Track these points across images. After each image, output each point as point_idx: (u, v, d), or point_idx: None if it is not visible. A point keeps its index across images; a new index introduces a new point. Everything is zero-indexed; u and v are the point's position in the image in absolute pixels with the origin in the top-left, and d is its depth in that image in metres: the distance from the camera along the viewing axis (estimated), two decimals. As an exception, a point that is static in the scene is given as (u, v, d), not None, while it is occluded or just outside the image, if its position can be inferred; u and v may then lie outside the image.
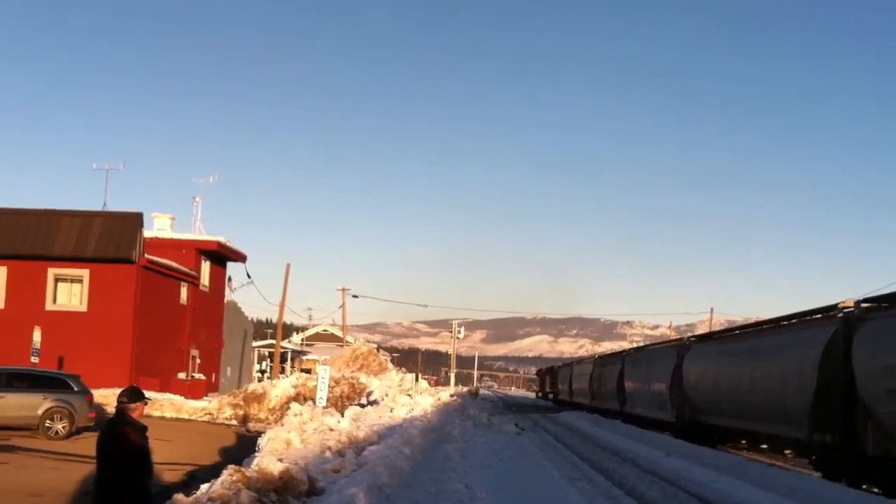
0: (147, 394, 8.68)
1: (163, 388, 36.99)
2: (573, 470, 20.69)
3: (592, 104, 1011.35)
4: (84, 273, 37.62)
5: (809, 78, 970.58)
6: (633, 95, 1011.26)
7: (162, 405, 33.39)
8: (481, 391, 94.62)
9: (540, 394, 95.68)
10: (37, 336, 30.76)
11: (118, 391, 8.58)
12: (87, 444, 10.80)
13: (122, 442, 7.98)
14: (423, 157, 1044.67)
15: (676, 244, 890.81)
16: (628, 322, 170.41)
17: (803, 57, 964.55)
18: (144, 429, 8.22)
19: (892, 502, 14.34)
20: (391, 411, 27.68)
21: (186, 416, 33.74)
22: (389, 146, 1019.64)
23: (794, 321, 22.87)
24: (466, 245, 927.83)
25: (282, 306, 57.59)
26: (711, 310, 76.64)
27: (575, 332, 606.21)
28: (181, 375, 41.30)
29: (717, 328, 59.43)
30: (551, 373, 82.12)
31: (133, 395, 8.29)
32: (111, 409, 16.60)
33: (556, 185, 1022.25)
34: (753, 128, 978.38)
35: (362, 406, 30.76)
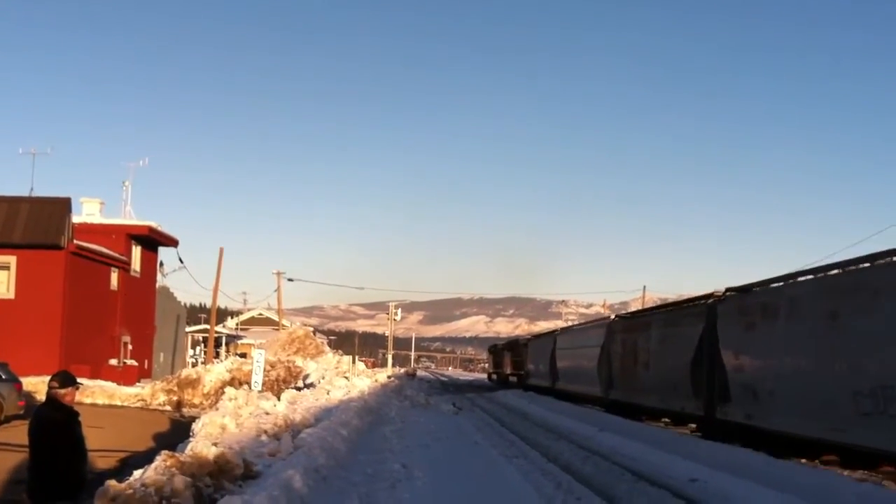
0: (79, 380, 8.55)
1: (94, 375, 36.39)
2: (510, 447, 20.90)
3: (527, 86, 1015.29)
4: (11, 260, 36.75)
5: (737, 55, 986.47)
6: (566, 78, 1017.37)
7: (94, 392, 32.87)
8: (419, 372, 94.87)
9: (494, 375, 78.22)
10: (-38, 324, 30.00)
11: (48, 378, 8.45)
12: (17, 433, 10.60)
13: (54, 428, 7.88)
14: (360, 140, 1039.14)
15: (610, 224, 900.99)
16: (563, 301, 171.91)
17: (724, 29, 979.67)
18: (76, 414, 8.12)
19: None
20: (328, 394, 27.64)
21: (119, 403, 33.28)
22: (324, 129, 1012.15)
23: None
24: (403, 227, 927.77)
25: (215, 290, 56.99)
26: (644, 288, 77.52)
27: (511, 311, 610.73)
28: (113, 362, 40.67)
29: (649, 305, 60.36)
30: (513, 349, 65.65)
31: (64, 380, 8.17)
32: (41, 396, 16.28)
33: (492, 167, 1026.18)
34: (684, 108, 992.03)
35: (299, 389, 30.65)
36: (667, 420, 27.50)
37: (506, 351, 69.87)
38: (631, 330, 30.41)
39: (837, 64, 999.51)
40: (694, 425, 24.20)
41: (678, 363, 23.71)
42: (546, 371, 46.54)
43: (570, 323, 74.61)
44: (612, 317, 35.16)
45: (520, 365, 59.32)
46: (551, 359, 44.61)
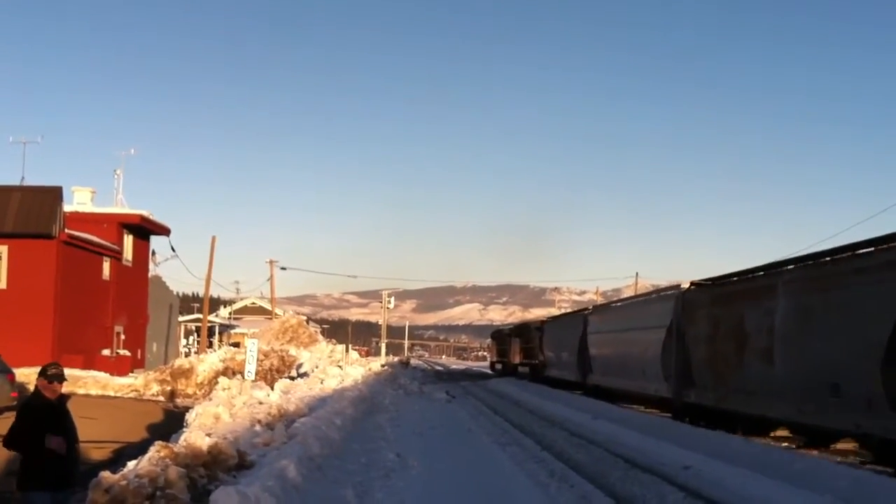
0: (71, 371, 8.57)
1: (87, 366, 36.29)
2: (503, 435, 20.96)
3: (519, 75, 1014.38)
4: (2, 249, 36.59)
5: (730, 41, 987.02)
6: (560, 66, 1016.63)
7: (86, 383, 32.79)
8: (413, 361, 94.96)
9: (498, 365, 69.53)
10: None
11: (39, 369, 8.46)
12: (9, 425, 10.56)
13: (43, 417, 7.87)
14: (352, 128, 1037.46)
15: (603, 211, 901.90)
16: (556, 288, 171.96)
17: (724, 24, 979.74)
18: (65, 400, 8.13)
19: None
20: (321, 383, 27.63)
21: (112, 394, 33.21)
22: (317, 117, 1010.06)
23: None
24: (396, 215, 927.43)
25: (208, 280, 56.92)
26: (636, 274, 77.78)
27: (505, 299, 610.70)
28: (105, 352, 40.55)
29: (642, 290, 60.01)
30: (523, 334, 56.10)
31: (51, 376, 8.20)
32: (33, 387, 16.24)
33: (484, 154, 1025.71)
34: (676, 95, 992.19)
35: (292, 379, 30.64)
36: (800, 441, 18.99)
37: (513, 337, 60.63)
38: (729, 301, 20.94)
39: (833, 51, 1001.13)
40: None
41: (853, 349, 14.58)
42: (572, 361, 38.10)
43: (563, 310, 71.45)
44: (687, 285, 24.24)
45: (532, 353, 51.17)
46: (580, 345, 36.11)
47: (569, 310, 64.10)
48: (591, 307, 41.18)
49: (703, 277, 24.09)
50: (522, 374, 53.51)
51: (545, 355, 46.60)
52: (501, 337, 69.79)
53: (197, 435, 11.59)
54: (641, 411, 27.81)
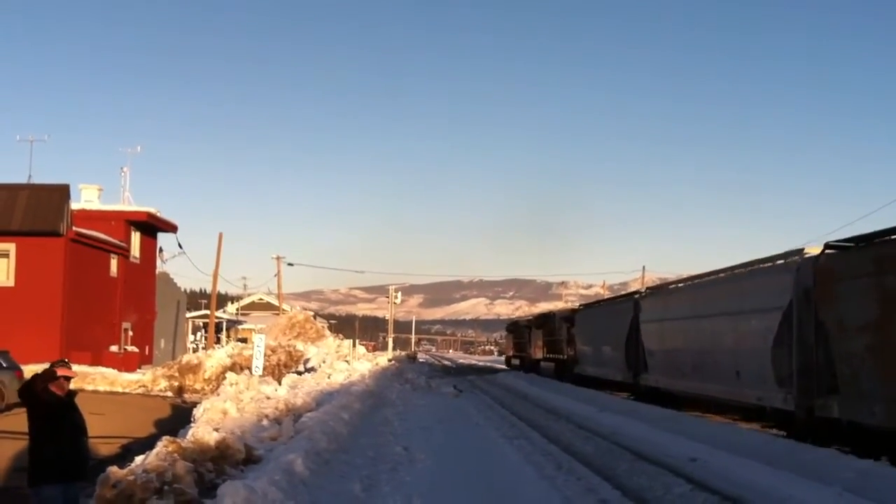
0: (79, 367, 8.64)
1: (95, 362, 36.41)
2: (511, 429, 20.98)
3: (525, 68, 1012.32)
4: (10, 247, 36.69)
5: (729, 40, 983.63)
6: (565, 59, 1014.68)
7: (94, 379, 32.89)
8: (419, 355, 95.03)
9: (516, 360, 63.75)
10: (-38, 313, 29.98)
11: (48, 366, 8.51)
12: (19, 421, 10.63)
13: (51, 411, 7.93)
14: (358, 123, 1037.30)
15: (609, 205, 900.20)
16: (563, 283, 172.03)
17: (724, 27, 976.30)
18: (73, 395, 8.18)
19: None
20: (329, 378, 27.69)
21: (120, 390, 33.30)
22: (323, 113, 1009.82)
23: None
24: (403, 210, 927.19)
25: (215, 276, 56.97)
26: (643, 268, 77.50)
27: (511, 293, 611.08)
28: (113, 348, 40.66)
29: (650, 284, 57.76)
30: (546, 325, 49.78)
31: (62, 367, 8.26)
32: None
33: (490, 148, 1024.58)
34: (682, 90, 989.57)
35: (300, 373, 30.69)
36: None
37: (534, 328, 54.43)
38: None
39: (839, 47, 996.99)
40: None
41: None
42: (617, 357, 31.97)
43: (570, 304, 64.13)
44: (821, 250, 17.13)
45: (557, 346, 45.85)
46: (629, 337, 30.26)
47: (576, 304, 55.94)
48: (643, 289, 32.96)
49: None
50: (545, 371, 48.18)
51: (576, 349, 40.24)
52: (519, 329, 63.99)
53: (204, 430, 11.66)
54: (720, 422, 22.02)
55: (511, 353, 68.06)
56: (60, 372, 8.23)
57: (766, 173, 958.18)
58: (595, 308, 40.61)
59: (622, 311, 32.18)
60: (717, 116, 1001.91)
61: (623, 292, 44.72)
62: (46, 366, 8.68)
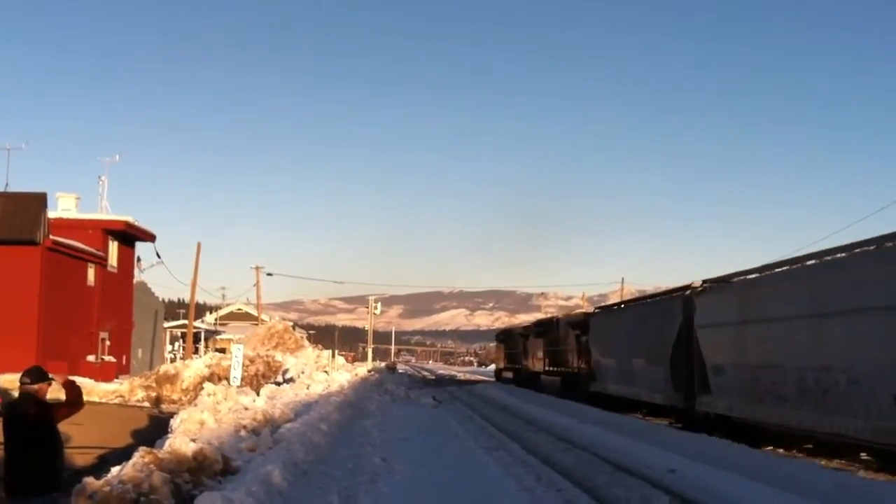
0: (51, 375, 8.52)
1: (72, 372, 35.79)
2: (490, 440, 20.96)
3: (504, 82, 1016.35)
4: (-14, 255, 36.38)
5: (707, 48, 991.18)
6: (547, 73, 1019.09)
7: (71, 389, 32.56)
8: (399, 366, 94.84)
9: (508, 373, 57.25)
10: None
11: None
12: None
13: (27, 422, 7.84)
14: (338, 133, 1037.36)
15: (588, 217, 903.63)
16: (543, 294, 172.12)
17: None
18: (50, 408, 8.09)
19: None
20: (308, 388, 27.57)
21: (97, 400, 32.97)
22: (304, 123, 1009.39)
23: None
24: (383, 221, 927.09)
25: (193, 286, 56.73)
26: (622, 280, 77.94)
27: (491, 304, 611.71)
28: (90, 358, 40.36)
29: (627, 296, 58.18)
30: (547, 332, 43.71)
31: (36, 376, 8.15)
32: (18, 394, 16.15)
33: (469, 160, 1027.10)
34: (660, 103, 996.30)
35: (278, 384, 30.55)
36: None
37: (532, 337, 48.13)
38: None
39: (822, 61, 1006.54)
40: None
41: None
42: (657, 373, 24.92)
43: (550, 314, 59.01)
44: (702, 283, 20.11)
45: (562, 358, 40.13)
46: (678, 347, 23.52)
47: (555, 314, 52.69)
48: (699, 283, 23.61)
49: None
50: (548, 386, 41.35)
51: (591, 362, 33.48)
52: (512, 338, 56.84)
53: (181, 440, 11.55)
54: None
55: (502, 365, 61.08)
56: (55, 374, 8.21)
57: (744, 185, 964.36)
58: (619, 311, 33.30)
59: (664, 313, 25.38)
60: (694, 129, 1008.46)
61: (665, 288, 31.44)
62: (19, 375, 8.59)
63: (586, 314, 37.82)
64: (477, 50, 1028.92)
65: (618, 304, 35.44)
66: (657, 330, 25.55)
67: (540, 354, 45.15)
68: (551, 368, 42.24)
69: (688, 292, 23.95)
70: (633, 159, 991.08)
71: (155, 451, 10.60)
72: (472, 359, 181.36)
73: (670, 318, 24.44)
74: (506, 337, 61.30)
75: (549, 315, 57.00)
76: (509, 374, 56.47)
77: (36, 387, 8.08)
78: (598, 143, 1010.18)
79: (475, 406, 34.44)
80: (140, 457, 10.02)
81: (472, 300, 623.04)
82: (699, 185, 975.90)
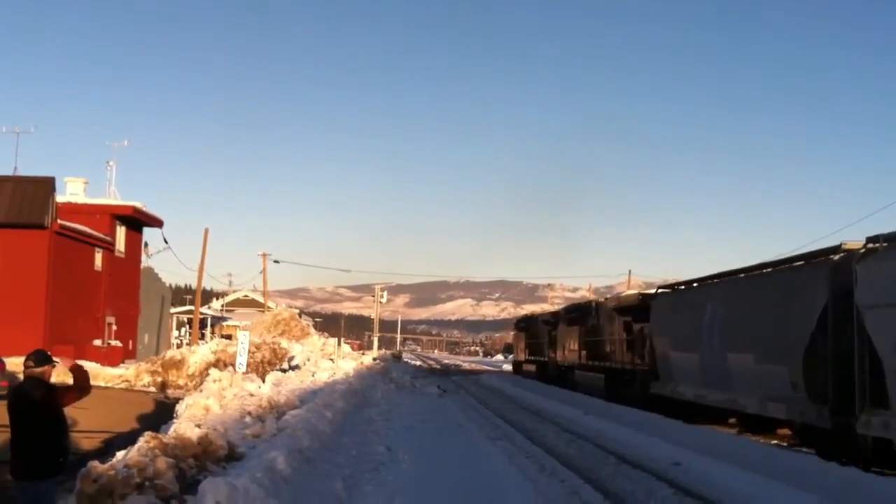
0: (55, 358, 8.51)
1: (78, 356, 35.80)
2: (494, 430, 20.98)
3: (514, 71, 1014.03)
4: (-6, 239, 36.49)
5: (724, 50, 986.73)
6: (552, 61, 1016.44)
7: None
8: (405, 355, 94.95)
9: (531, 365, 51.45)
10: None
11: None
12: (0, 413, 10.55)
13: (32, 405, 7.84)
14: (346, 122, 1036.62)
15: (596, 208, 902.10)
16: (549, 285, 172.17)
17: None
18: (55, 390, 8.09)
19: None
20: (313, 376, 27.62)
21: (103, 384, 33.08)
22: (312, 111, 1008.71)
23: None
24: (391, 210, 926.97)
25: (200, 272, 56.77)
26: (629, 272, 77.61)
27: (497, 295, 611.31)
28: (97, 342, 40.47)
29: (636, 289, 50.28)
30: (584, 318, 37.34)
31: (39, 359, 8.15)
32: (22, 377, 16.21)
33: (480, 150, 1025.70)
34: (671, 94, 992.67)
35: (284, 371, 30.61)
36: None
37: (562, 324, 41.59)
38: None
39: (828, 57, 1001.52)
40: None
41: None
42: (779, 377, 17.85)
43: (557, 306, 59.16)
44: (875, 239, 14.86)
45: (605, 351, 33.40)
46: (819, 337, 16.55)
47: (561, 306, 50.34)
48: (863, 241, 15.85)
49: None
50: (586, 384, 35.16)
51: (655, 357, 26.33)
52: (535, 326, 49.96)
53: (187, 426, 11.60)
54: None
55: (523, 357, 54.19)
56: (60, 357, 8.22)
57: (753, 177, 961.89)
58: (704, 290, 24.14)
59: (794, 288, 18.17)
60: (704, 120, 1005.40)
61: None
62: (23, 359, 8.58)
63: (643, 295, 29.97)
64: (486, 39, 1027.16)
65: (699, 281, 25.18)
66: (779, 312, 18.29)
67: (574, 345, 38.64)
68: (591, 362, 35.24)
69: (838, 256, 16.92)
70: (641, 152, 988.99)
71: (160, 435, 10.63)
72: (477, 349, 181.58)
73: (805, 295, 17.31)
74: (527, 324, 53.81)
75: (584, 299, 50.82)
76: (531, 368, 50.45)
77: (40, 370, 8.07)
78: (607, 135, 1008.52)
79: (480, 396, 34.41)
80: (145, 441, 10.05)
81: (478, 290, 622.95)
82: (706, 178, 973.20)
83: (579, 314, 38.38)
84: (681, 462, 14.89)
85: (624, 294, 34.35)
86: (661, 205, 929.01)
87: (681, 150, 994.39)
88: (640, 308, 29.13)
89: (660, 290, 28.33)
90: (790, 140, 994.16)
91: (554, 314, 46.24)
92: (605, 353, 33.36)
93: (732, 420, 22.51)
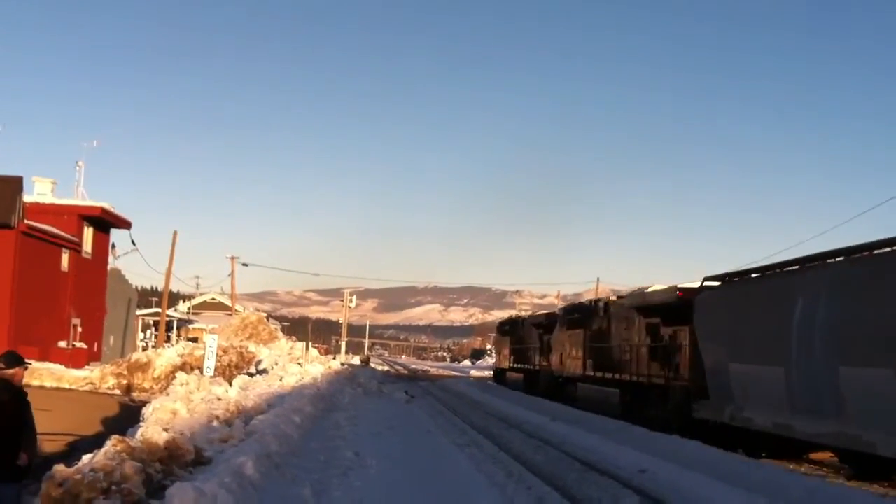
0: (26, 361, 8.41)
1: (43, 357, 35.80)
2: (461, 436, 21.00)
3: (482, 76, 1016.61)
4: (-41, 238, 36.03)
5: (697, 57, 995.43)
6: (520, 70, 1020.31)
7: (42, 374, 32.35)
8: (372, 360, 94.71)
9: (515, 373, 45.33)
10: None
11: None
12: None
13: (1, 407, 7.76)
14: (314, 125, 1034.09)
15: (564, 216, 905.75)
16: (517, 291, 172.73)
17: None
18: (24, 395, 7.99)
19: None
20: (281, 380, 27.50)
21: (67, 386, 32.79)
22: (280, 114, 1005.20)
23: None
24: (360, 214, 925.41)
25: (168, 274, 56.33)
26: (598, 279, 78.00)
27: (466, 301, 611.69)
28: (62, 344, 40.07)
29: (602, 296, 40.43)
30: (588, 319, 31.04)
31: (10, 360, 8.04)
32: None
33: (446, 155, 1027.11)
34: (640, 101, 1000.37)
35: (251, 375, 30.48)
36: None
37: (559, 327, 35.06)
38: None
39: (786, 61, 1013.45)
40: None
41: None
42: None
43: (525, 312, 54.80)
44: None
45: (616, 361, 27.67)
46: None
47: (530, 313, 47.77)
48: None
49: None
50: (590, 398, 29.82)
51: (698, 369, 20.88)
52: (522, 329, 44.51)
53: (154, 430, 11.53)
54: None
55: (507, 364, 47.62)
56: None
57: (712, 189, 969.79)
58: (783, 278, 17.88)
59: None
60: (668, 131, 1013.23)
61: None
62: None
63: (681, 291, 22.50)
64: (456, 44, 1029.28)
65: (779, 266, 18.32)
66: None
67: (576, 352, 32.03)
68: (598, 374, 29.02)
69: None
70: (611, 160, 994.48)
71: (127, 439, 10.57)
72: (445, 354, 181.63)
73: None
74: (512, 327, 47.57)
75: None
76: (517, 376, 44.13)
77: (11, 372, 7.96)
78: (577, 144, 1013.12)
79: (448, 402, 34.42)
80: (112, 445, 9.99)
81: (446, 296, 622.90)
82: (674, 188, 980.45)
83: (583, 315, 31.60)
84: (646, 469, 14.93)
85: (650, 289, 26.30)
86: (631, 213, 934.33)
87: (650, 160, 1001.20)
88: (676, 308, 22.62)
89: (706, 283, 20.90)
90: (760, 151, 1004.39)
91: (548, 315, 40.56)
92: (618, 364, 27.34)
93: (822, 456, 17.78)
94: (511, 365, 46.61)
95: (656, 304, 24.73)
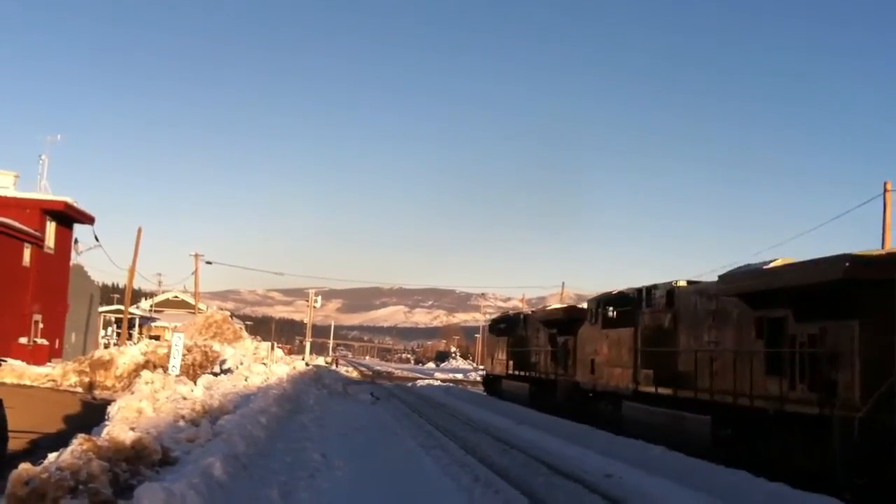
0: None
1: (3, 354, 35.38)
2: (428, 438, 21.00)
3: (449, 79, 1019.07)
4: (-83, 231, 35.50)
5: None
6: (494, 72, 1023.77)
7: (2, 371, 31.96)
8: (338, 360, 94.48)
9: (512, 381, 37.69)
10: None
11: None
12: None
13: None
14: (281, 124, 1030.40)
15: (528, 219, 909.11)
16: (482, 294, 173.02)
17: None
18: None
19: None
20: (246, 380, 27.32)
21: (28, 383, 32.39)
22: (247, 113, 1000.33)
23: None
24: (324, 214, 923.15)
25: (132, 271, 55.85)
26: (563, 284, 78.34)
27: (430, 303, 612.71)
28: (23, 340, 39.59)
29: (568, 302, 40.60)
30: (621, 305, 23.38)
31: None
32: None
33: (414, 155, 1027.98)
34: (602, 104, 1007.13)
35: (215, 374, 30.25)
36: None
37: (588, 325, 26.64)
38: None
39: (760, 61, 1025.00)
40: None
41: None
42: None
43: (490, 316, 52.22)
44: None
45: (714, 375, 17.85)
46: None
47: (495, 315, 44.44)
48: None
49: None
50: (651, 426, 20.06)
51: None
52: (525, 328, 37.38)
53: (120, 429, 11.40)
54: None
55: (504, 371, 39.40)
56: None
57: (682, 194, 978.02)
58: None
59: None
60: (633, 139, 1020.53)
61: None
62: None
63: (852, 259, 13.28)
64: (425, 51, 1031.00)
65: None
66: None
67: (625, 357, 22.89)
68: (657, 391, 20.51)
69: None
70: (580, 165, 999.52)
71: (94, 438, 10.45)
72: (409, 356, 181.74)
73: None
74: (510, 326, 39.84)
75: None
76: (518, 386, 36.33)
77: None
78: (544, 147, 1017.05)
79: (414, 404, 34.40)
80: (79, 444, 9.86)
81: (411, 297, 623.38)
82: (639, 194, 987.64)
83: (629, 304, 23.04)
84: (612, 474, 15.01)
85: (782, 262, 16.51)
86: (596, 219, 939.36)
87: (618, 166, 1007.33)
88: (847, 294, 13.56)
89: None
90: (729, 160, 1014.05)
91: (567, 310, 32.27)
92: (719, 379, 17.67)
93: None
94: (510, 372, 38.44)
95: (804, 285, 14.47)
